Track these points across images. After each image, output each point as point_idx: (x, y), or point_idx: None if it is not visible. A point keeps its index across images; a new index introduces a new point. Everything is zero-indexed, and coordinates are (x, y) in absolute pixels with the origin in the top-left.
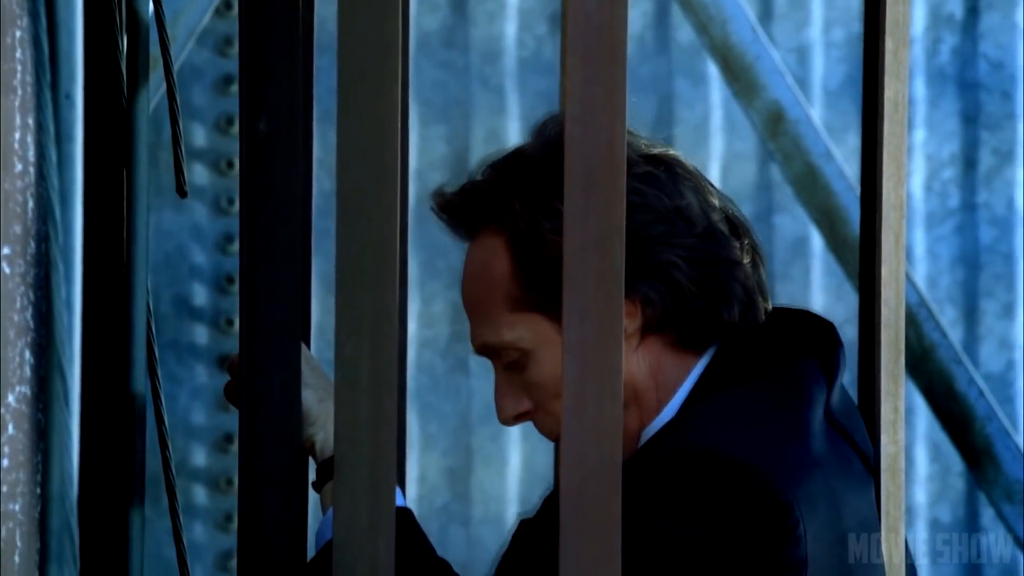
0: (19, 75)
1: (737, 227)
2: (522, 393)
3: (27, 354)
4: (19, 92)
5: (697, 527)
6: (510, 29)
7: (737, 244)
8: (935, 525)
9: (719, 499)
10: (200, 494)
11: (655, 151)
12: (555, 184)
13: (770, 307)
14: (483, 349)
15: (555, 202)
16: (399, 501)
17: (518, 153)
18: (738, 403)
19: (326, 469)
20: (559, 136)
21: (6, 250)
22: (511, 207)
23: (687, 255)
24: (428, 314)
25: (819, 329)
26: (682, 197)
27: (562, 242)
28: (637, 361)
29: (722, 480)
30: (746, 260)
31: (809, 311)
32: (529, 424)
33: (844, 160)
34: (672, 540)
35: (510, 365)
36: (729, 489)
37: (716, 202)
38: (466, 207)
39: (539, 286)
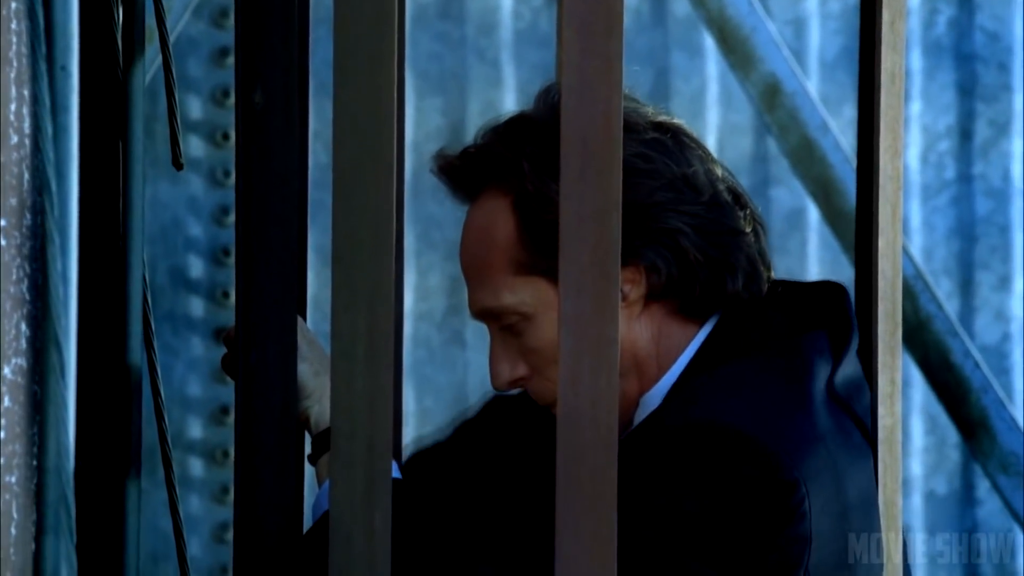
0: (14, 47)
1: (740, 197)
2: (519, 358)
3: (23, 326)
4: (14, 64)
5: (701, 501)
6: (506, 1)
7: (741, 214)
8: (931, 497)
9: (724, 473)
10: (196, 466)
11: (661, 118)
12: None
13: (772, 277)
14: (482, 313)
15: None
16: (394, 473)
17: (523, 117)
18: (742, 375)
19: (321, 442)
20: (557, 100)
21: (2, 222)
22: (519, 168)
23: (694, 223)
24: (424, 287)
25: (831, 300)
26: (689, 165)
27: None
28: (639, 328)
29: (728, 454)
30: (749, 230)
31: (828, 280)
32: None
33: (840, 132)
34: (675, 514)
35: (508, 329)
36: (734, 464)
37: (719, 172)
38: (471, 168)
39: (544, 249)
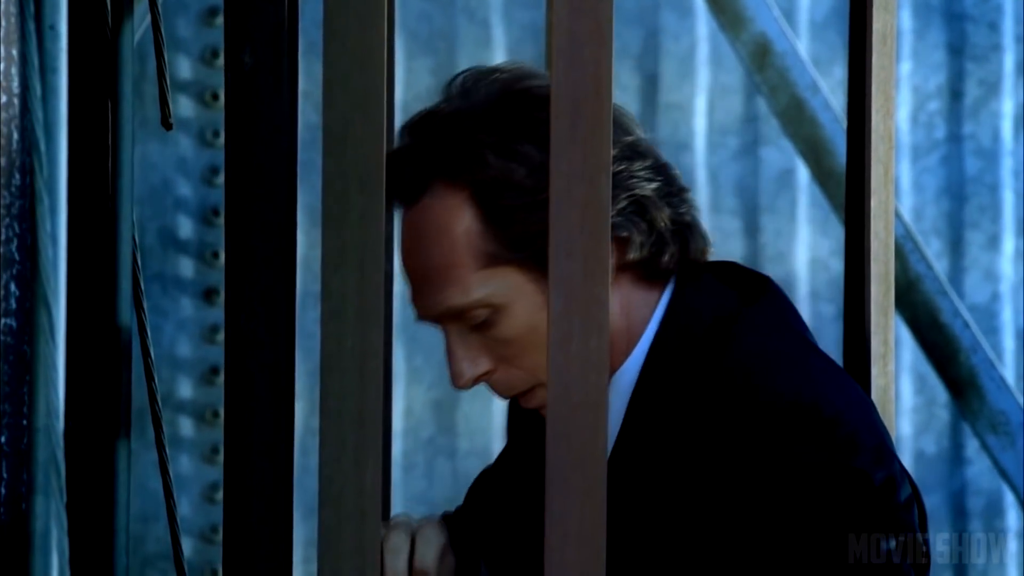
0: (2, 6)
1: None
2: (481, 353)
3: (12, 286)
4: (2, 23)
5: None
6: None
7: (676, 175)
8: (920, 457)
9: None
10: (186, 426)
11: None
12: (515, 131)
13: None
14: (447, 314)
15: (522, 146)
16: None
17: (450, 111)
18: (786, 348)
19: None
20: (498, 88)
21: None
22: (477, 159)
23: (653, 188)
24: None
25: (755, 279)
26: (630, 132)
27: (539, 185)
28: (612, 300)
29: (816, 438)
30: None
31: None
32: None
33: (830, 92)
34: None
35: (477, 326)
36: (840, 448)
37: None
38: (414, 168)
39: (510, 237)
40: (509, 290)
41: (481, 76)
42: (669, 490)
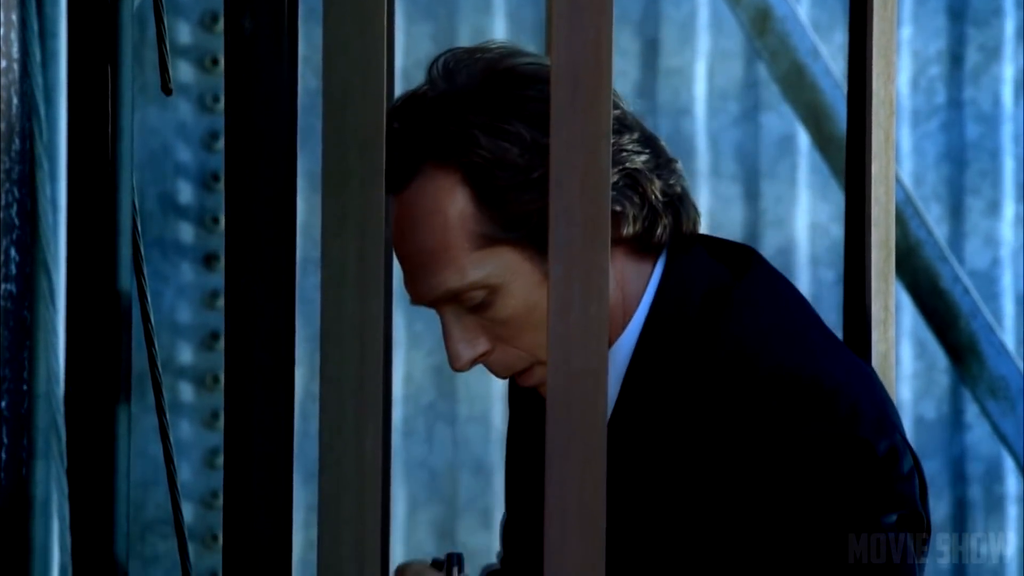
0: None
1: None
2: (479, 334)
3: (12, 252)
4: None
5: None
6: None
7: (663, 146)
8: (920, 422)
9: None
10: (186, 391)
11: None
12: (504, 110)
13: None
14: (443, 297)
15: (512, 125)
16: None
17: (436, 94)
18: (781, 320)
19: None
20: (481, 68)
21: None
22: (468, 140)
23: (644, 161)
24: None
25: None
26: (616, 106)
27: (531, 164)
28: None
29: (815, 411)
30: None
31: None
32: None
33: (831, 58)
34: (793, 475)
35: (474, 307)
36: (822, 421)
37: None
38: (406, 150)
39: (504, 216)
40: (505, 270)
41: (463, 57)
42: (667, 463)
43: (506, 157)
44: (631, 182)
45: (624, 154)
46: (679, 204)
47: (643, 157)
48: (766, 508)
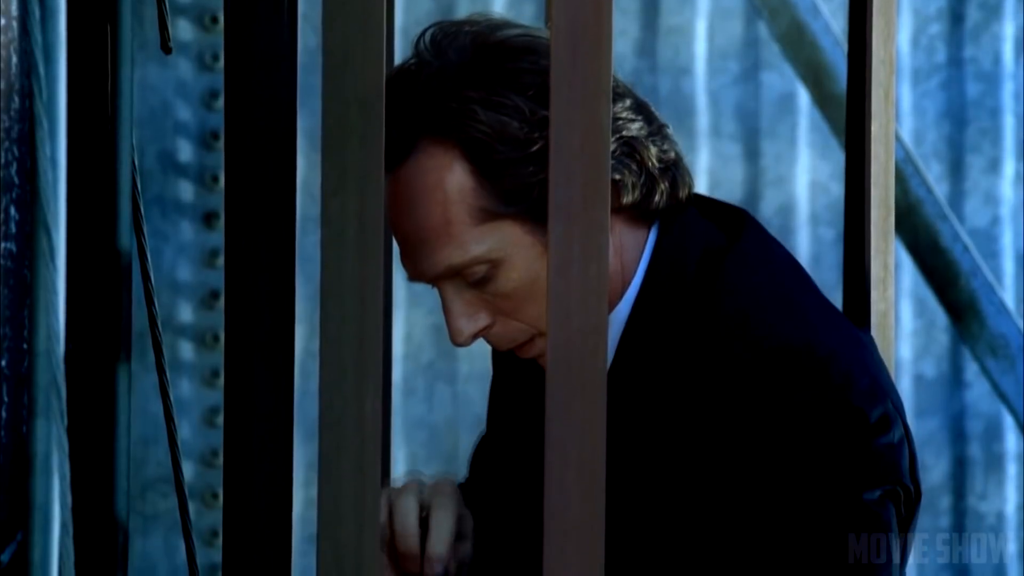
0: None
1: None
2: (480, 309)
3: (12, 210)
4: None
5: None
6: None
7: (655, 113)
8: (919, 380)
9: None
10: (186, 350)
11: None
12: (500, 83)
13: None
14: (444, 273)
15: (509, 98)
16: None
17: (430, 70)
18: (776, 285)
19: None
20: (470, 42)
21: None
22: (468, 115)
23: (637, 128)
24: None
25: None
26: None
27: (531, 137)
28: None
29: (810, 382)
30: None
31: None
32: None
33: (831, 16)
34: (781, 441)
35: (475, 282)
36: (814, 390)
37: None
38: (402, 126)
39: (504, 190)
40: (506, 244)
41: (451, 31)
42: (659, 427)
43: (506, 131)
44: (628, 150)
45: (620, 122)
46: (674, 169)
47: (637, 124)
48: (755, 472)
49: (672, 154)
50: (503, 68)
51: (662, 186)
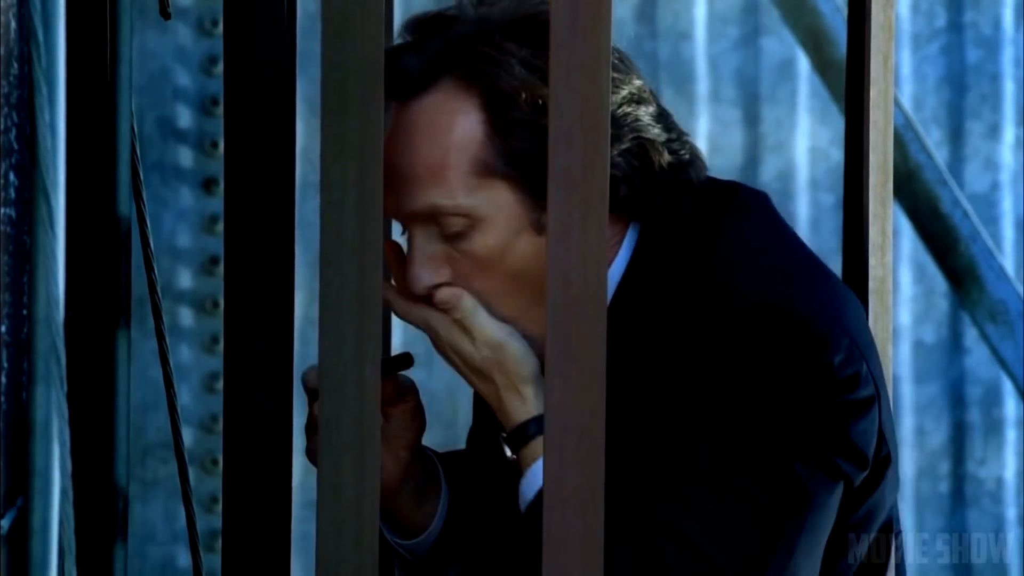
0: None
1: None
2: (443, 264)
3: (11, 176)
4: None
5: (775, 393)
6: None
7: (675, 121)
8: (919, 346)
9: (789, 360)
10: (186, 316)
11: None
12: (541, 51)
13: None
14: (426, 213)
15: (546, 64)
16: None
17: (474, 16)
18: (761, 241)
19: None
20: (517, 6)
21: None
22: (505, 67)
23: (656, 133)
24: None
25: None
26: (639, 77)
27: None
28: None
29: (783, 339)
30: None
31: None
32: None
33: None
34: (759, 412)
35: (449, 235)
36: (791, 349)
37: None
38: (430, 59)
39: (509, 150)
40: (493, 205)
41: None
42: (642, 382)
43: (534, 92)
44: (640, 151)
45: (640, 123)
46: (683, 173)
47: (656, 130)
48: (706, 398)
49: (686, 156)
50: (544, 36)
51: (664, 192)
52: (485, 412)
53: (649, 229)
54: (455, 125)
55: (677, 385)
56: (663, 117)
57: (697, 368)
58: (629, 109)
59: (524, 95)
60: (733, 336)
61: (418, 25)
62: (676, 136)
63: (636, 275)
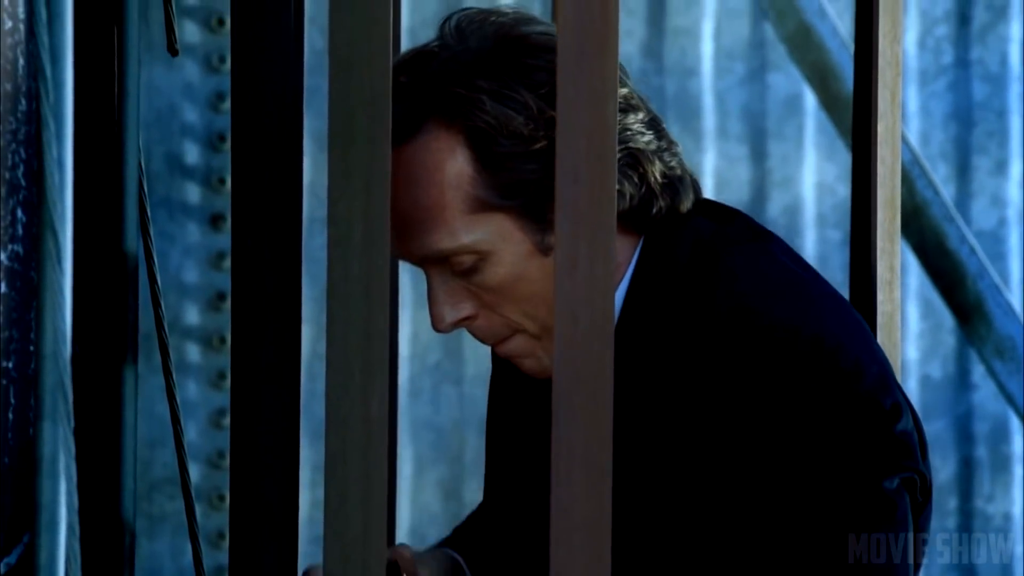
0: None
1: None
2: (464, 299)
3: (19, 212)
4: None
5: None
6: None
7: (665, 130)
8: (926, 381)
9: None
10: (193, 352)
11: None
12: (512, 77)
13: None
14: (431, 257)
15: (519, 93)
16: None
17: (447, 54)
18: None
19: None
20: (493, 32)
21: None
22: (475, 103)
23: (646, 142)
24: None
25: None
26: (625, 84)
27: (534, 134)
28: None
29: (816, 367)
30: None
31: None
32: None
33: (837, 17)
34: (783, 430)
35: (461, 272)
36: (825, 377)
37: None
38: (411, 105)
39: (501, 183)
40: (496, 237)
41: (476, 19)
42: (662, 420)
43: (510, 124)
44: (632, 161)
45: (629, 133)
46: (679, 185)
47: (647, 138)
48: (768, 461)
49: (678, 171)
50: (519, 63)
51: (662, 202)
52: (506, 374)
53: (651, 242)
54: (444, 165)
55: (713, 436)
56: (654, 123)
57: (733, 426)
58: (618, 118)
59: (502, 129)
60: (766, 375)
61: (399, 66)
62: (667, 144)
63: (639, 293)
